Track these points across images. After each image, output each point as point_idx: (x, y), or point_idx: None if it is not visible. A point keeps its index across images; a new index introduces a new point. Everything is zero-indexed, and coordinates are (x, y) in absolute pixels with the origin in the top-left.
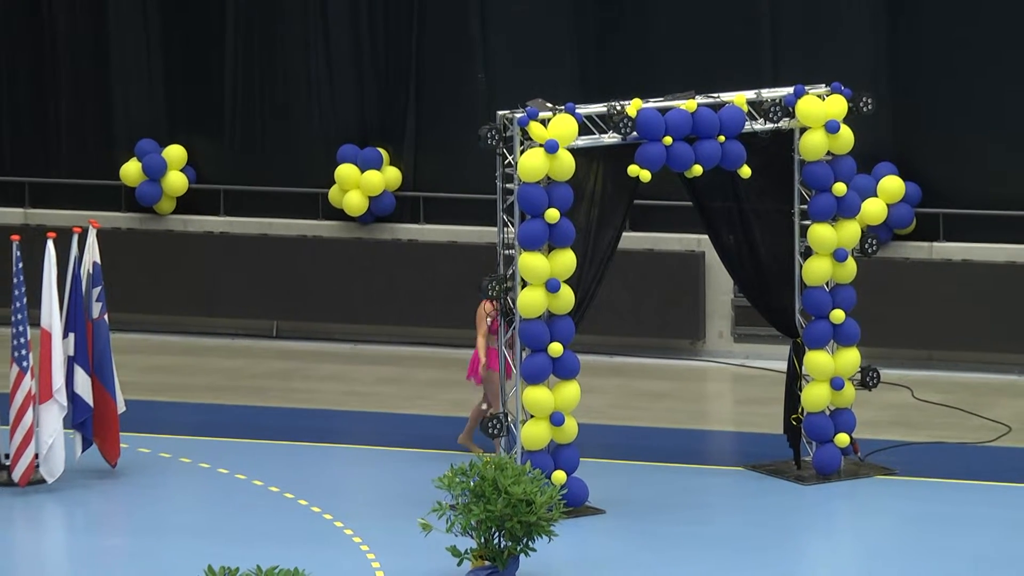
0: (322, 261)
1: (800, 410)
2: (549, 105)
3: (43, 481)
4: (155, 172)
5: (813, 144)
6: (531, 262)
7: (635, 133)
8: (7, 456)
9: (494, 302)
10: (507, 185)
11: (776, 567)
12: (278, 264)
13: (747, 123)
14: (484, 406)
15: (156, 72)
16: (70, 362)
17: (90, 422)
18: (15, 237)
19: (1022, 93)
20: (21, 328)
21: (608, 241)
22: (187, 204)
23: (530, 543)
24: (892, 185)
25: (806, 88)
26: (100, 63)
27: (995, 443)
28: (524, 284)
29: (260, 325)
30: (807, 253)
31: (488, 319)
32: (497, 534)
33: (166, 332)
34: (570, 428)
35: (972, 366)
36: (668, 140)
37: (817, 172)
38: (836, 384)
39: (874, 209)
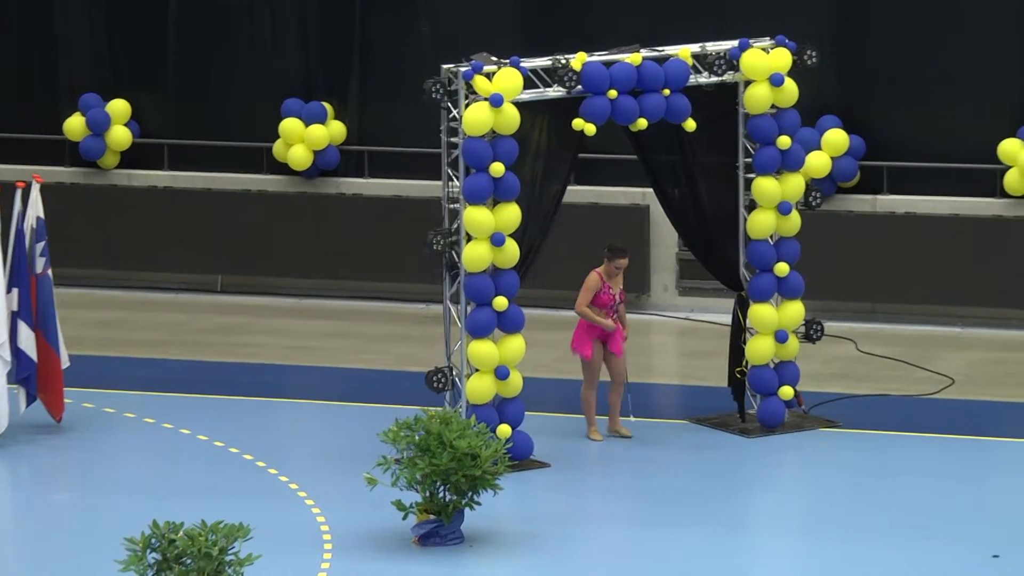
0: (266, 215)
1: (744, 363)
2: (494, 59)
3: None
4: (99, 126)
5: (757, 97)
6: (476, 216)
7: (580, 87)
8: None
9: (614, 261)
10: (452, 139)
11: (721, 519)
12: (222, 219)
13: (692, 76)
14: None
15: (99, 26)
16: (13, 317)
17: (34, 377)
18: None
19: (967, 45)
20: None
21: (553, 195)
22: (131, 158)
23: (475, 497)
24: (836, 138)
25: (750, 41)
26: (43, 18)
27: (938, 395)
28: (469, 238)
29: (204, 280)
30: (751, 206)
31: (600, 290)
32: (442, 488)
33: (110, 287)
34: (515, 382)
35: (915, 319)
36: (613, 93)
37: (761, 125)
38: (780, 337)
39: (818, 162)
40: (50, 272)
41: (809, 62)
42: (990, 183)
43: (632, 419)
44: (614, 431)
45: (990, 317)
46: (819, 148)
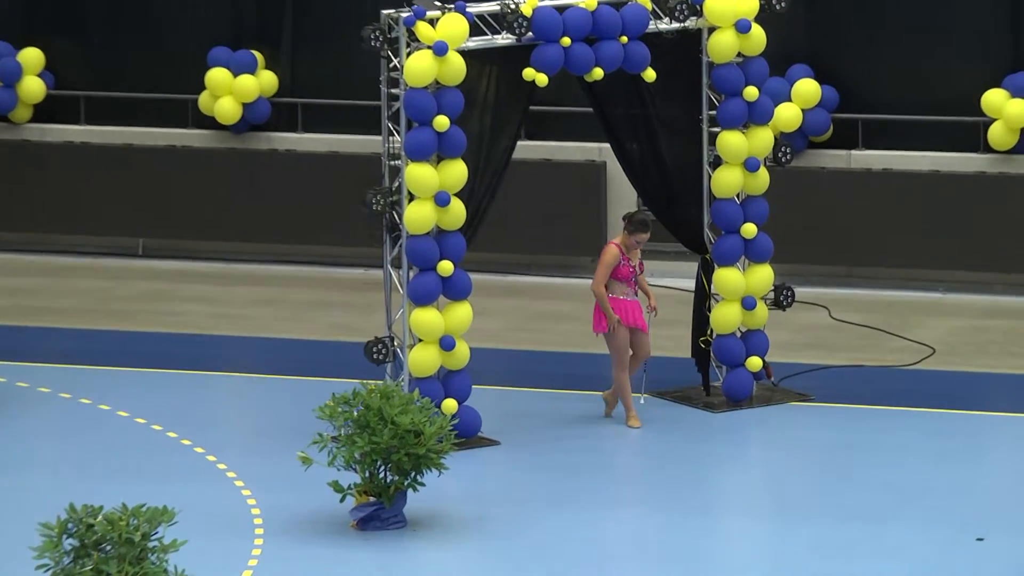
0: (192, 173)
1: (709, 332)
2: (438, 3)
3: None
4: (10, 77)
5: (722, 45)
6: (418, 174)
7: (531, 34)
8: None
9: (633, 234)
10: (392, 90)
11: (683, 500)
12: (144, 177)
13: (651, 23)
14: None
15: None
16: None
17: None
18: None
19: None
20: None
21: (502, 151)
22: (45, 112)
23: (419, 477)
24: (807, 89)
25: None
26: None
27: (918, 366)
28: (411, 197)
29: (125, 243)
30: (716, 163)
31: (620, 263)
32: (383, 468)
33: (23, 251)
34: (461, 353)
35: (893, 283)
36: (566, 41)
37: (727, 75)
38: (748, 304)
39: (788, 115)
40: None
41: (778, 7)
42: (973, 137)
43: (643, 400)
44: (609, 415)
45: (973, 281)
46: (789, 100)
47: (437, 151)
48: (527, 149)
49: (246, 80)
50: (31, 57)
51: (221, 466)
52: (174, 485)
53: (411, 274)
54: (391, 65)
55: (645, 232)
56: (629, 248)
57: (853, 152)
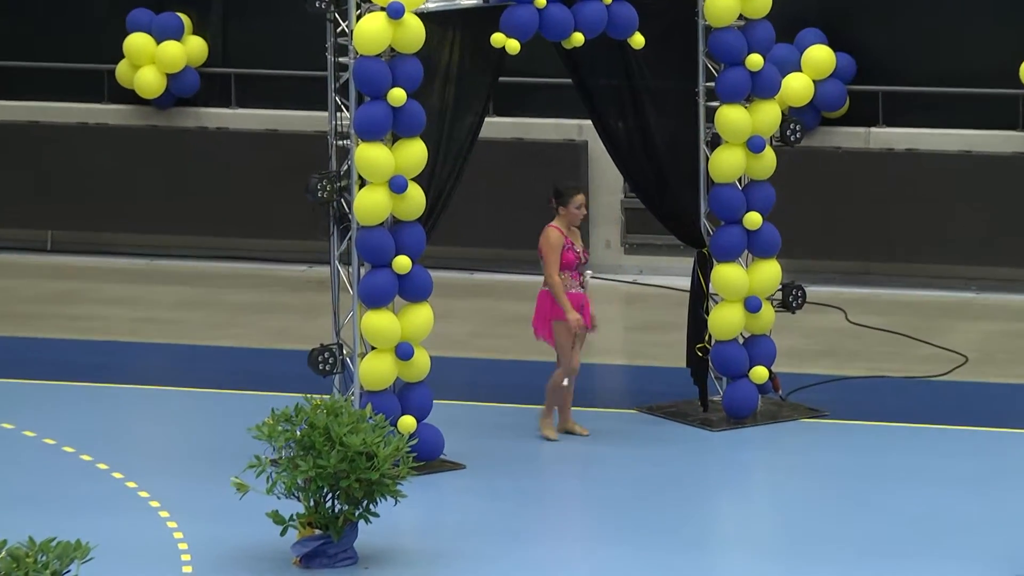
0: (108, 155)
1: (707, 338)
2: None
3: None
4: None
5: (721, 6)
6: (371, 155)
7: None
8: None
9: (571, 202)
10: (341, 59)
11: (675, 533)
12: (53, 159)
13: None
14: (565, 380)
15: None
16: None
17: None
18: None
19: None
20: None
21: (467, 129)
22: None
23: (371, 506)
24: (819, 56)
25: None
26: None
27: (947, 377)
28: (362, 183)
29: (31, 236)
30: (714, 142)
31: (564, 246)
32: (330, 496)
33: None
34: (420, 363)
35: (919, 281)
36: (541, 2)
37: (726, 41)
38: (751, 305)
39: (797, 86)
40: None
41: None
42: (1011, 112)
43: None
44: (566, 429)
45: (1011, 279)
46: (798, 69)
47: (392, 129)
48: (496, 127)
49: (170, 47)
50: None
51: (143, 494)
52: (89, 516)
53: (362, 271)
54: (339, 30)
55: (578, 192)
56: (570, 227)
57: (872, 130)
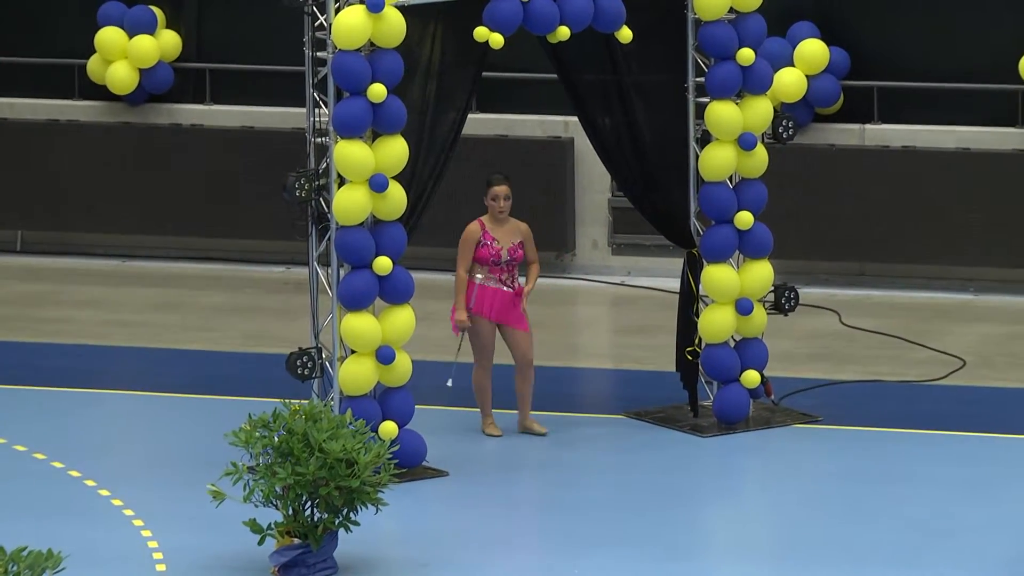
0: (79, 153)
1: (697, 341)
2: None
3: None
4: None
5: None
6: (350, 153)
7: None
8: None
9: (487, 195)
10: (318, 54)
11: (663, 541)
12: (21, 158)
13: None
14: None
15: None
16: None
17: None
18: None
19: None
20: None
21: (449, 126)
22: None
23: (352, 515)
24: (813, 51)
25: None
26: None
27: (944, 381)
28: (342, 181)
29: (0, 236)
30: (704, 139)
31: (480, 243)
32: (309, 504)
33: None
34: (402, 367)
35: (915, 283)
36: None
37: (717, 35)
38: (743, 307)
39: (790, 81)
40: None
41: None
42: (1010, 108)
43: (450, 384)
44: (525, 428)
45: (1010, 280)
46: (791, 64)
47: (372, 126)
48: (479, 123)
49: (143, 42)
50: None
51: (116, 502)
52: (60, 524)
53: (342, 273)
54: (317, 23)
55: (498, 184)
56: (495, 220)
57: (867, 126)
